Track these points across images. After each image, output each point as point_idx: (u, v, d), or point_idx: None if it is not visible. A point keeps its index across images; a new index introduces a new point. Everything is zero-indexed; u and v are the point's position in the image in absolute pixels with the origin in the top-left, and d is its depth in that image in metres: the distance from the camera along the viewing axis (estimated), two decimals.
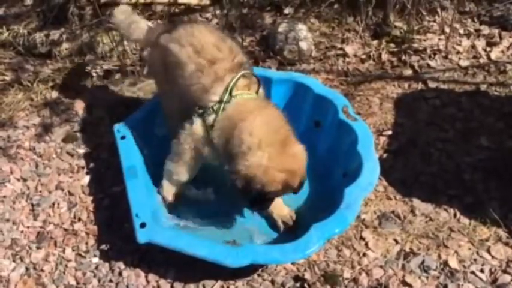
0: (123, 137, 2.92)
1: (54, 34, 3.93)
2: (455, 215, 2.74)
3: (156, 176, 2.82)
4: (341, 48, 3.82)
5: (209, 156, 2.59)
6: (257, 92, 2.59)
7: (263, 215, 2.74)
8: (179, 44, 2.65)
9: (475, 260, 2.53)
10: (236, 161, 2.38)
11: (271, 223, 2.72)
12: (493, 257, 2.54)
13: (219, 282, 2.48)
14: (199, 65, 2.57)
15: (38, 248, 2.70)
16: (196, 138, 2.57)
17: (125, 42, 3.82)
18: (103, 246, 2.67)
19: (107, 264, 2.59)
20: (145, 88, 3.55)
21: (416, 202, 2.80)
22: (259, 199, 2.45)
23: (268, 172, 2.33)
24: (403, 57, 3.71)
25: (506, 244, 2.58)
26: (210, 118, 2.52)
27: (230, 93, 2.49)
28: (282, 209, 2.71)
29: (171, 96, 2.78)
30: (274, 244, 2.54)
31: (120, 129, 2.97)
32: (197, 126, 2.56)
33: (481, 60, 3.66)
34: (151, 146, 3.00)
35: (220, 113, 2.49)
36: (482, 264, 2.51)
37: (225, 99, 2.49)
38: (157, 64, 2.84)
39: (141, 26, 3.03)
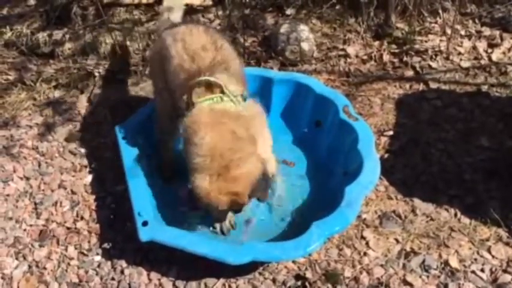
0: (124, 137, 2.93)
1: (57, 34, 3.95)
2: (455, 215, 2.74)
3: (158, 174, 2.84)
4: (343, 49, 3.83)
5: None
6: (223, 92, 2.47)
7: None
8: (174, 38, 2.66)
9: (475, 259, 2.54)
10: (190, 176, 2.35)
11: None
12: (493, 256, 2.55)
13: (221, 281, 2.49)
14: (182, 59, 2.56)
15: (40, 246, 2.71)
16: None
17: (128, 43, 3.84)
18: (105, 245, 2.69)
19: (109, 263, 2.61)
20: (148, 88, 3.56)
21: (417, 202, 2.81)
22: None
23: (211, 195, 2.28)
24: (405, 58, 3.72)
25: (507, 244, 2.59)
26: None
27: (189, 100, 2.46)
28: None
29: (164, 94, 2.75)
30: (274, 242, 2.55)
31: (122, 129, 2.99)
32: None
33: (482, 62, 3.67)
34: (153, 145, 3.01)
35: (184, 120, 2.46)
36: (483, 264, 2.52)
37: (189, 108, 2.47)
38: (155, 59, 2.83)
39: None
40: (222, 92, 2.47)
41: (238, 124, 2.40)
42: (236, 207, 2.39)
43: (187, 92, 2.48)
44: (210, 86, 2.47)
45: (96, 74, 3.74)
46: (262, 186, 2.40)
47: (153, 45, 2.87)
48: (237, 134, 2.36)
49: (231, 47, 2.75)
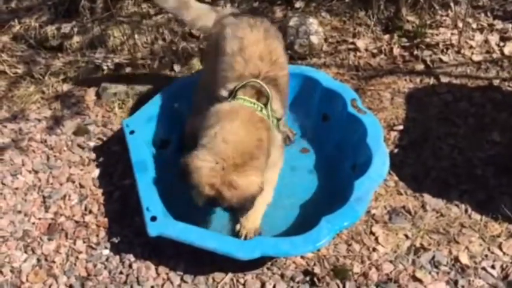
0: (132, 132, 2.93)
1: (66, 27, 3.94)
2: (466, 211, 2.72)
3: (165, 169, 2.83)
4: (352, 43, 3.79)
5: None
6: (266, 105, 2.52)
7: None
8: (233, 33, 2.69)
9: (486, 256, 2.52)
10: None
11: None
12: (504, 253, 2.53)
13: (229, 275, 2.48)
14: (234, 60, 2.60)
15: (49, 239, 2.72)
16: None
17: (136, 36, 3.83)
18: (114, 239, 2.69)
19: (117, 257, 2.61)
20: (155, 82, 3.55)
21: (427, 197, 2.79)
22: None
23: (202, 180, 2.28)
24: (415, 52, 3.68)
25: None
26: None
27: (235, 94, 2.52)
28: (253, 221, 2.57)
29: (209, 74, 2.80)
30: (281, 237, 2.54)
31: (129, 123, 2.98)
32: None
33: (494, 55, 3.62)
34: (160, 139, 3.01)
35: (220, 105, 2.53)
36: (494, 260, 2.49)
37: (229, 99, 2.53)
38: (212, 41, 2.87)
39: (209, 14, 2.98)
40: (265, 105, 2.51)
41: (267, 136, 2.43)
42: (212, 204, 2.38)
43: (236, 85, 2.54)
44: (258, 92, 2.52)
45: (105, 67, 3.73)
46: (246, 207, 2.40)
47: (213, 27, 2.90)
48: (263, 144, 2.37)
49: (284, 57, 2.77)
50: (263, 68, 2.58)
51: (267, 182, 2.47)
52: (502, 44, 3.68)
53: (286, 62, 2.81)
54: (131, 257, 2.59)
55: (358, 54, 3.74)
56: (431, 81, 3.49)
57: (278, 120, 2.61)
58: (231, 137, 2.33)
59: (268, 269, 2.50)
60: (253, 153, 2.33)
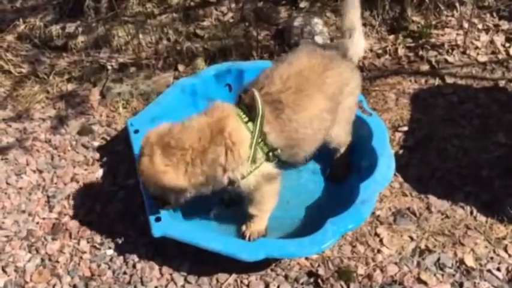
0: (136, 131, 2.92)
1: (70, 27, 3.94)
2: (471, 213, 2.71)
3: None
4: None
5: None
6: (253, 121, 2.33)
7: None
8: (288, 59, 2.55)
9: (491, 258, 2.51)
10: None
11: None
12: (510, 255, 2.51)
13: (233, 276, 2.48)
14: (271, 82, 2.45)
15: (53, 239, 2.72)
16: None
17: (140, 36, 3.83)
18: (117, 239, 2.68)
19: (121, 257, 2.61)
20: (160, 81, 3.55)
21: (432, 199, 2.78)
22: None
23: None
24: (420, 52, 3.67)
25: None
26: None
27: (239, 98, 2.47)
28: (259, 224, 2.54)
29: None
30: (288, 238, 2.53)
31: (134, 123, 2.97)
32: None
33: (500, 56, 3.60)
34: None
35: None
36: (499, 263, 2.48)
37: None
38: None
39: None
40: (253, 120, 2.33)
41: (220, 148, 2.29)
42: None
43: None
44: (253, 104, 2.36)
45: (109, 67, 3.73)
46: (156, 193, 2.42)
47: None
48: (209, 153, 2.28)
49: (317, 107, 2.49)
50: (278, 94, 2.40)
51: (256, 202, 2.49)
52: (507, 44, 3.66)
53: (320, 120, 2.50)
54: (135, 257, 2.59)
55: (363, 54, 3.72)
56: (437, 82, 3.48)
57: (272, 150, 2.38)
58: (186, 123, 2.36)
59: (272, 270, 2.50)
60: (185, 151, 2.28)
